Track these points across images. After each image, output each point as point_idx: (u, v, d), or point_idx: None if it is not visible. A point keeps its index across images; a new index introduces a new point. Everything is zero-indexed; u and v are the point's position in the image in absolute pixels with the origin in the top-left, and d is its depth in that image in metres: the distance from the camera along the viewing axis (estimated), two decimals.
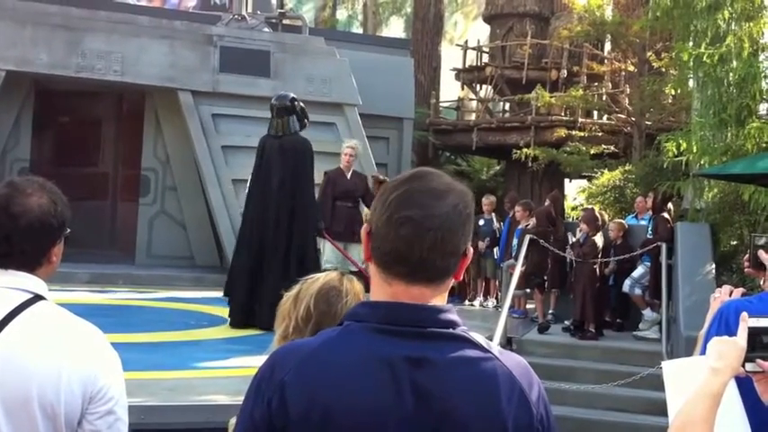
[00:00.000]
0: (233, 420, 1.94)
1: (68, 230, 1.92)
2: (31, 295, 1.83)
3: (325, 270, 3.54)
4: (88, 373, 1.79)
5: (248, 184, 8.59)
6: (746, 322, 1.71)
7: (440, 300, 1.45)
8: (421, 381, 1.38)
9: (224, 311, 8.85)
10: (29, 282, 1.84)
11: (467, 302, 11.93)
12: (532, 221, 10.25)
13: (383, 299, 1.44)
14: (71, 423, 1.78)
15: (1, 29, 12.19)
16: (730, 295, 2.37)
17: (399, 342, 1.39)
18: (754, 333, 1.70)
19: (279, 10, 16.62)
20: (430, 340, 1.40)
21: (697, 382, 1.65)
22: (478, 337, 1.47)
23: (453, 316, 1.45)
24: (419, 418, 1.37)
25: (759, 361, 1.68)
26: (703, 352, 1.95)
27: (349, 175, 10.19)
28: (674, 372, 1.96)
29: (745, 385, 1.80)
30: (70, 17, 12.83)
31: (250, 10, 15.35)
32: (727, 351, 1.67)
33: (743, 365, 1.68)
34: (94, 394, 1.79)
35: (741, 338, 1.68)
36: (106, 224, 14.24)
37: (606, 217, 10.59)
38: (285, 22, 15.85)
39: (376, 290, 1.46)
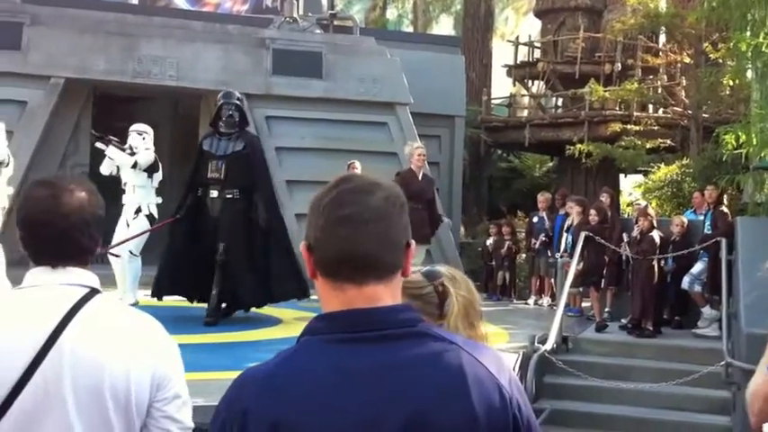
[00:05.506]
0: None
1: None
2: (88, 289, 1.87)
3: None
4: (154, 361, 1.83)
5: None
6: None
7: (393, 297, 1.43)
8: (388, 384, 1.35)
9: (280, 312, 8.93)
10: (84, 276, 1.88)
11: (515, 300, 11.91)
12: (590, 217, 10.10)
13: (337, 308, 1.41)
14: (141, 412, 1.81)
15: (60, 37, 12.52)
16: None
17: (361, 349, 1.37)
18: None
19: (329, 11, 16.70)
20: (391, 342, 1.38)
21: None
22: (440, 330, 1.46)
23: (411, 313, 1.43)
24: (390, 423, 1.33)
25: None
26: None
27: (420, 177, 10.05)
28: None
29: None
30: (126, 24, 13.09)
31: (301, 12, 15.46)
32: None
33: None
34: (161, 380, 1.84)
35: None
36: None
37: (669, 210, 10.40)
38: (336, 23, 15.93)
39: (329, 301, 1.42)
